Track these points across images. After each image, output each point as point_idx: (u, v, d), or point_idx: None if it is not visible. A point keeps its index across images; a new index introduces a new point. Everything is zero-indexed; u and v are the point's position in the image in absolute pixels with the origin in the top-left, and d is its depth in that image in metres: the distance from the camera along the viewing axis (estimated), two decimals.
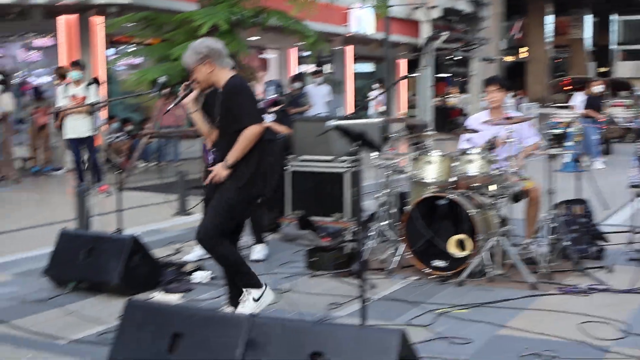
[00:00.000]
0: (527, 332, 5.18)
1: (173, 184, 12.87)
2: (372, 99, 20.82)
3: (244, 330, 3.88)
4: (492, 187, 6.85)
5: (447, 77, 32.58)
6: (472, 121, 7.49)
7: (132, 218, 7.80)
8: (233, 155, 5.01)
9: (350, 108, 25.09)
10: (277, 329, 3.86)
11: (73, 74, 11.55)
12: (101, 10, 15.37)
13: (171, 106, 5.33)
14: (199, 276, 6.63)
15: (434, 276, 6.64)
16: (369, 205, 8.91)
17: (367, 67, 28.25)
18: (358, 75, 26.40)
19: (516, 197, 7.16)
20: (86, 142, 11.57)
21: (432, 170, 6.94)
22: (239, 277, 5.22)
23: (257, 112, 5.13)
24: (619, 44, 61.32)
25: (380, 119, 5.83)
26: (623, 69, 58.25)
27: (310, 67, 24.13)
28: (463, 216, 6.59)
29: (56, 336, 5.17)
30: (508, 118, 6.85)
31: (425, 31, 23.91)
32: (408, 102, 28.27)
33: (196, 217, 9.54)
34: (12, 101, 13.95)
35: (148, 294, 6.12)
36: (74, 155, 11.65)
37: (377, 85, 21.54)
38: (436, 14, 24.08)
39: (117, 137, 16.15)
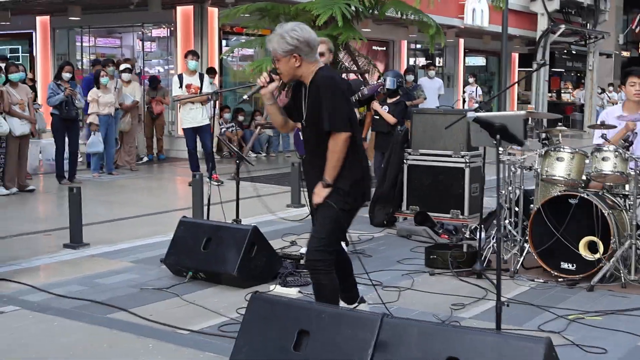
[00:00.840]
0: None
1: (286, 174, 12.88)
2: (467, 94, 20.28)
3: (375, 330, 3.69)
4: (628, 187, 6.44)
5: (562, 71, 31.60)
6: (606, 116, 7.07)
7: (246, 208, 7.71)
8: (330, 174, 4.47)
9: (460, 102, 24.59)
10: (410, 330, 3.65)
11: (190, 64, 11.62)
12: (218, 0, 15.47)
13: (247, 95, 4.90)
14: None
15: (561, 279, 6.29)
16: (489, 202, 8.60)
17: (479, 61, 27.66)
18: (469, 69, 25.84)
19: None
20: (202, 132, 11.62)
21: (562, 168, 6.57)
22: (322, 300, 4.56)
23: (347, 115, 4.48)
24: None
25: (523, 112, 5.51)
26: None
27: (421, 60, 23.86)
28: (595, 217, 6.21)
29: (176, 326, 5.10)
30: None
31: (542, 24, 23.14)
32: (519, 98, 27.57)
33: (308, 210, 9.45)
34: (140, 90, 14.19)
35: (265, 287, 6.02)
36: (190, 144, 11.72)
37: (472, 79, 20.84)
38: (554, 6, 23.28)
39: (229, 127, 16.24)
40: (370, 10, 12.04)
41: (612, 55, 31.59)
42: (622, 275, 6.13)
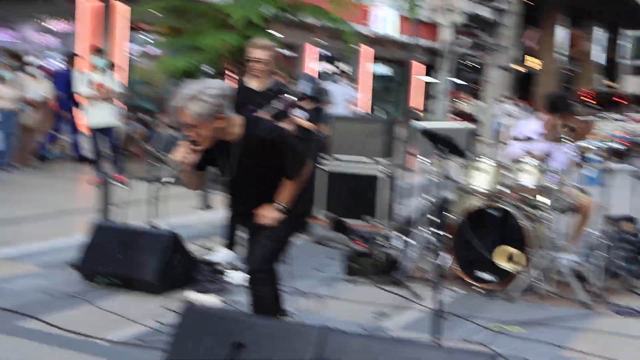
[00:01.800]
0: (595, 356, 4.85)
1: None
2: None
3: (313, 343, 3.55)
4: (545, 200, 6.54)
5: (461, 83, 32.25)
6: (523, 129, 7.17)
7: (152, 211, 7.45)
8: (288, 199, 4.32)
9: (365, 109, 24.76)
10: (352, 343, 3.53)
11: (98, 61, 11.22)
12: None
13: (171, 178, 4.43)
14: (234, 277, 6.30)
15: (481, 289, 6.32)
16: (405, 210, 8.61)
17: (384, 69, 27.93)
18: (374, 78, 26.09)
19: (566, 210, 6.85)
20: (108, 131, 11.25)
21: (481, 179, 6.62)
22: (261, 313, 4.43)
23: (301, 153, 4.34)
24: (628, 59, 61.19)
25: (469, 126, 5.52)
26: (631, 84, 58.17)
27: (327, 66, 23.92)
28: (514, 228, 6.28)
29: (94, 336, 4.83)
30: (571, 129, 6.51)
31: (446, 35, 23.58)
32: (423, 107, 27.97)
33: (218, 213, 9.25)
34: (50, 88, 13.55)
35: (183, 293, 5.81)
36: (94, 144, 11.32)
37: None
38: (458, 18, 23.75)
39: (132, 126, 15.81)
40: (286, 15, 11.94)
41: (510, 69, 32.51)
42: (540, 286, 6.20)
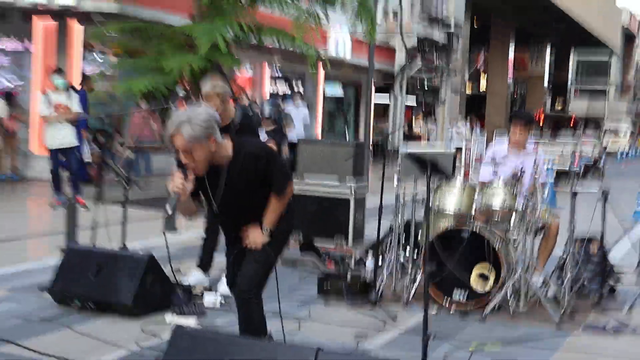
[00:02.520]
0: None
1: (154, 200, 12.57)
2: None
3: None
4: (515, 221, 6.72)
5: (413, 106, 32.72)
6: (493, 153, 7.35)
7: (117, 234, 7.45)
8: (272, 221, 4.43)
9: (319, 130, 24.96)
10: None
11: (59, 82, 11.16)
12: (83, 17, 14.99)
13: (170, 209, 4.11)
14: (210, 300, 6.34)
15: (453, 309, 6.46)
16: (372, 232, 8.73)
17: (337, 91, 28.18)
18: (327, 99, 26.30)
19: (534, 231, 7.04)
20: (68, 152, 11.18)
21: (452, 201, 6.78)
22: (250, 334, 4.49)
23: (287, 169, 4.60)
24: (575, 82, 62.71)
25: (452, 150, 5.67)
26: (577, 106, 59.59)
27: (282, 87, 24.09)
28: (486, 249, 6.44)
29: None
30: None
31: (400, 59, 23.95)
32: (375, 128, 28.28)
33: (186, 236, 9.28)
34: (4, 107, 13.41)
35: (160, 317, 5.83)
36: (53, 165, 11.23)
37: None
38: (412, 42, 24.16)
39: (89, 148, 15.70)
40: (249, 37, 12.02)
41: (459, 92, 33.09)
42: (510, 307, 6.36)
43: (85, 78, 14.31)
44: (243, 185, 4.33)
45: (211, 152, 4.16)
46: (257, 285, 4.47)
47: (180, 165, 4.22)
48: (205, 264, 7.00)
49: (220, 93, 6.47)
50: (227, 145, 4.28)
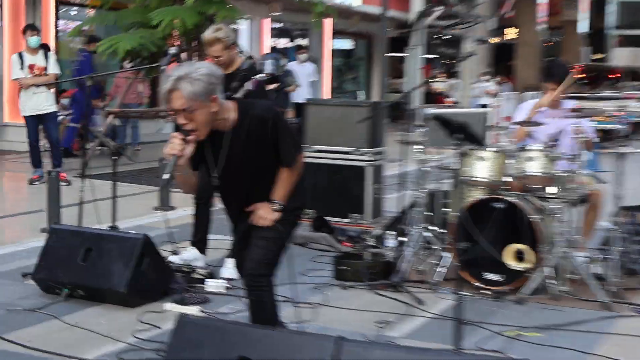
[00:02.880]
0: None
1: (142, 172, 12.64)
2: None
3: (330, 355, 3.68)
4: (553, 189, 6.74)
5: (435, 58, 32.54)
6: (525, 110, 7.35)
7: (105, 212, 7.49)
8: (283, 195, 4.47)
9: (327, 90, 24.92)
10: (371, 354, 3.67)
11: (31, 40, 11.16)
12: None
13: (167, 173, 4.04)
14: (213, 285, 6.41)
15: (487, 291, 6.51)
16: (392, 205, 8.77)
17: (346, 44, 28.10)
18: (336, 53, 26.22)
19: (577, 201, 7.06)
20: (46, 120, 11.22)
21: (483, 168, 6.79)
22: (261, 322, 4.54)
23: (297, 137, 4.62)
24: (616, 27, 62.17)
25: (484, 110, 5.67)
26: (619, 56, 59.13)
27: (284, 41, 24.01)
28: (522, 222, 6.46)
29: (67, 355, 4.90)
30: (575, 110, 6.71)
31: (417, 5, 23.81)
32: (389, 86, 28.23)
33: (181, 213, 9.34)
34: None
35: (158, 305, 5.90)
36: (31, 135, 11.27)
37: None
38: None
39: (68, 115, 15.73)
40: None
41: (486, 41, 32.87)
42: (550, 287, 6.41)
43: (93, 39, 14.24)
44: (248, 153, 4.35)
45: (213, 113, 4.16)
46: (268, 268, 4.51)
47: (178, 129, 4.20)
48: (199, 244, 7.04)
49: (222, 38, 6.52)
50: (230, 107, 4.30)
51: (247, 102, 4.52)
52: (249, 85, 6.71)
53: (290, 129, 4.48)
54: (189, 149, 4.14)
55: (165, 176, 4.05)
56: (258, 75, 6.73)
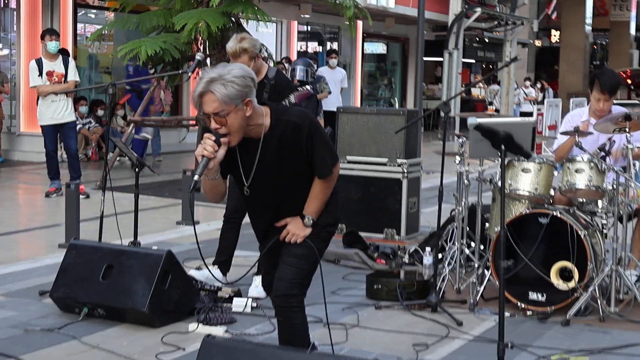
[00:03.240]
0: None
1: (164, 184, 12.74)
2: None
3: None
4: (602, 204, 6.72)
5: (474, 63, 32.57)
6: (573, 120, 7.34)
7: (126, 226, 7.56)
8: (316, 210, 4.49)
9: (358, 97, 24.97)
10: None
11: (51, 45, 11.28)
12: None
13: (198, 175, 4.09)
14: (239, 304, 6.43)
15: (530, 312, 6.50)
16: (429, 220, 8.78)
17: (379, 48, 28.16)
18: (369, 57, 26.29)
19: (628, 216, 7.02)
20: (65, 129, 11.33)
21: (528, 181, 6.79)
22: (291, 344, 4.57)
23: (333, 146, 4.60)
24: None
25: (530, 119, 5.68)
26: None
27: (313, 45, 24.11)
28: (568, 239, 6.44)
29: None
30: (627, 117, 6.68)
31: (455, 6, 23.80)
32: (424, 94, 28.24)
33: (205, 227, 9.40)
34: None
35: (182, 325, 5.94)
36: (49, 145, 11.39)
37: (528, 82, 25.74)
38: None
39: (86, 124, 15.91)
40: None
41: (527, 44, 32.81)
42: (600, 307, 6.38)
43: None
44: (280, 161, 4.36)
45: (246, 118, 4.18)
46: (299, 288, 4.53)
47: (207, 131, 4.21)
48: (223, 262, 7.06)
49: (247, 48, 6.56)
50: (263, 112, 4.31)
51: (281, 107, 4.55)
52: (291, 99, 6.76)
53: (326, 137, 4.48)
54: (222, 153, 4.15)
55: (195, 177, 4.08)
56: (305, 87, 6.78)
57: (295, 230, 4.50)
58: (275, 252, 4.64)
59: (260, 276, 6.55)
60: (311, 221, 4.49)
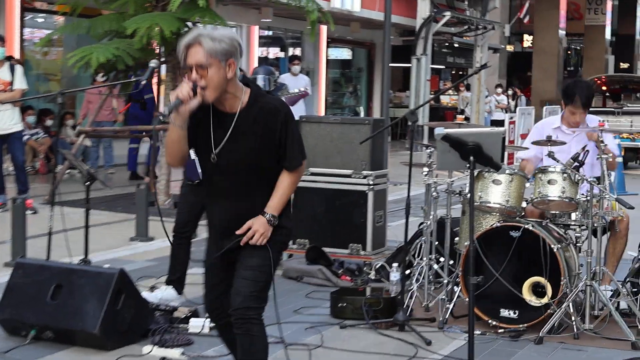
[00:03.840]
0: None
1: (118, 198, 12.69)
2: None
3: None
4: (576, 216, 6.79)
5: (443, 69, 32.76)
6: (543, 129, 7.41)
7: (76, 243, 7.51)
8: (279, 207, 4.53)
9: (322, 105, 25.01)
10: None
11: None
12: None
13: (167, 110, 4.35)
14: (195, 324, 6.42)
15: (502, 330, 6.54)
16: (397, 234, 8.81)
17: (344, 53, 28.25)
18: (333, 63, 26.35)
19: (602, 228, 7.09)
20: (11, 140, 11.26)
21: (498, 192, 6.85)
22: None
23: (303, 143, 4.70)
24: None
25: (500, 129, 5.72)
26: None
27: (274, 51, 24.15)
28: (542, 253, 6.50)
29: None
30: (599, 127, 6.76)
31: (423, 10, 23.92)
32: (391, 101, 28.35)
33: (160, 244, 9.38)
34: None
35: (136, 347, 5.91)
36: None
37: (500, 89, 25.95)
38: None
39: (33, 134, 15.81)
40: None
41: (499, 50, 33.04)
42: (574, 323, 6.44)
43: None
44: (251, 140, 4.45)
45: (226, 79, 4.36)
46: (256, 300, 4.53)
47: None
48: (176, 280, 7.05)
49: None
50: (242, 88, 4.48)
51: (261, 90, 4.64)
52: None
53: (299, 132, 4.62)
54: (195, 102, 4.34)
55: (165, 111, 4.33)
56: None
57: (260, 227, 4.49)
58: (225, 266, 4.64)
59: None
60: (273, 219, 4.51)
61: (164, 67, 12.55)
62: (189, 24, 11.74)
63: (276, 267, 4.65)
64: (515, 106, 27.00)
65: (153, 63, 7.06)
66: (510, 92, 30.12)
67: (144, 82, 7.57)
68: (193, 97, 4.32)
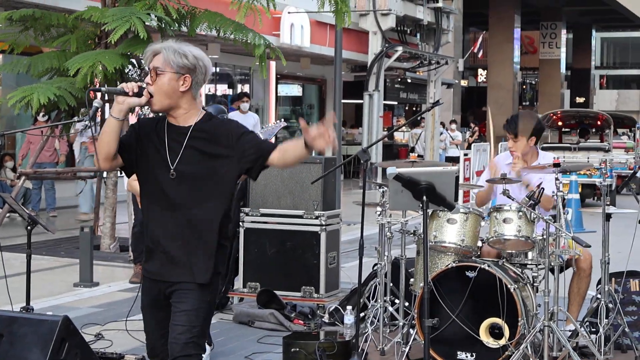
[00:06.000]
0: None
1: (59, 242, 12.61)
2: None
3: None
4: (532, 255, 6.87)
5: (396, 105, 33.00)
6: (499, 165, 7.50)
7: (17, 290, 7.46)
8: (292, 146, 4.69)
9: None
10: None
11: None
12: None
13: (105, 90, 4.71)
14: None
15: None
16: (350, 275, 8.85)
17: (294, 90, 28.38)
18: (283, 100, 26.44)
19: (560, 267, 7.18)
20: None
21: (453, 232, 6.92)
22: None
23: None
24: (596, 67, 63.45)
25: (453, 168, 5.77)
26: (602, 99, 60.32)
27: (222, 88, 24.20)
28: (499, 293, 6.56)
29: None
30: (556, 165, 6.86)
31: (375, 45, 24.16)
32: (344, 138, 28.51)
33: (105, 290, 9.34)
34: None
35: None
36: None
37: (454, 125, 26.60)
38: (389, 23, 24.36)
39: None
40: (178, 25, 12.09)
41: (452, 85, 33.39)
42: None
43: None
44: (207, 157, 4.53)
45: (177, 92, 4.50)
46: (194, 347, 4.52)
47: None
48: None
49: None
50: (198, 107, 4.63)
51: (214, 115, 4.80)
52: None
53: (257, 136, 4.66)
54: (135, 100, 4.49)
55: (103, 89, 4.63)
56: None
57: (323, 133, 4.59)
58: (160, 311, 4.66)
59: None
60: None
61: (107, 106, 12.51)
62: (134, 60, 11.78)
63: (212, 308, 4.70)
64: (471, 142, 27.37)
65: (97, 103, 7.05)
66: (470, 129, 30.59)
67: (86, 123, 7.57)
68: (136, 95, 4.47)
